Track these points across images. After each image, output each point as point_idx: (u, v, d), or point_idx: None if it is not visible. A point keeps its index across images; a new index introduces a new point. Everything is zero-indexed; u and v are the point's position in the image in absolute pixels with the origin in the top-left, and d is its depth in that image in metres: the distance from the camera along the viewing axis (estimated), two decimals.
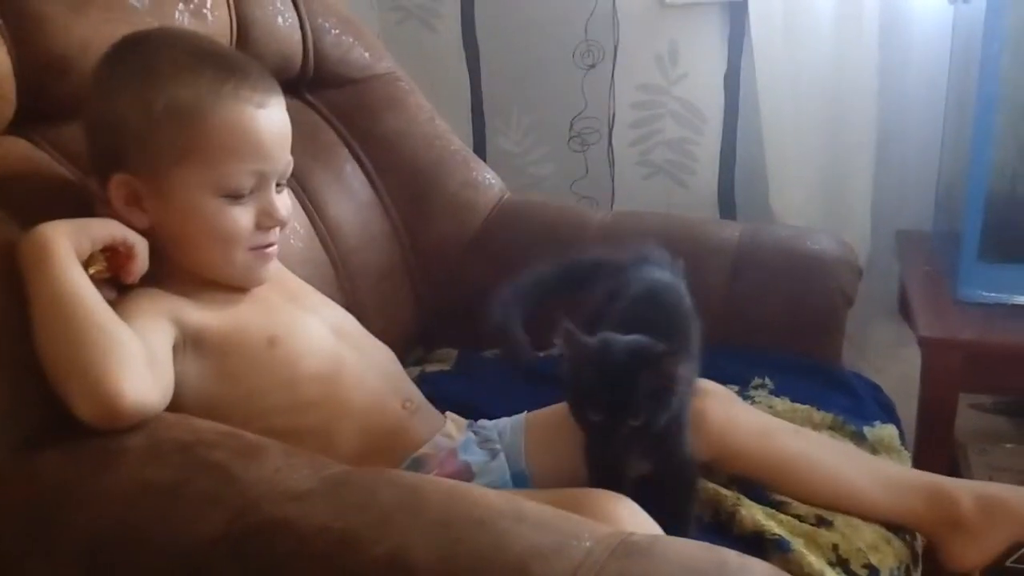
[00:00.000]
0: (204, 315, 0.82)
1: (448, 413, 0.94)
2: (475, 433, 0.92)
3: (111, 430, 0.64)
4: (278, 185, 0.85)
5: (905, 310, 1.49)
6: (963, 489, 0.89)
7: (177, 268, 0.83)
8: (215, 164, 0.79)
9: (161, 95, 0.78)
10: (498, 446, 0.90)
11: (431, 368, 1.17)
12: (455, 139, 1.30)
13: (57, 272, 0.69)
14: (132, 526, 0.58)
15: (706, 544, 0.55)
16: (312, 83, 1.21)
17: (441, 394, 0.99)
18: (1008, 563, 1.29)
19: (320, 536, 0.54)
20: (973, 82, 1.18)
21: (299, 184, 1.14)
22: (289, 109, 0.87)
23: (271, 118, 0.82)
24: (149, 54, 0.81)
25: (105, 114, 0.80)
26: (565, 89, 1.72)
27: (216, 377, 0.81)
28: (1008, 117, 1.17)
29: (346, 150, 1.21)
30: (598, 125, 1.74)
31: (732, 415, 0.90)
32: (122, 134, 0.79)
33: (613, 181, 1.76)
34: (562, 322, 0.77)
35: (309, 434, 0.81)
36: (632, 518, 0.64)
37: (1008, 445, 1.46)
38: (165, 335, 0.77)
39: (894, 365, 1.46)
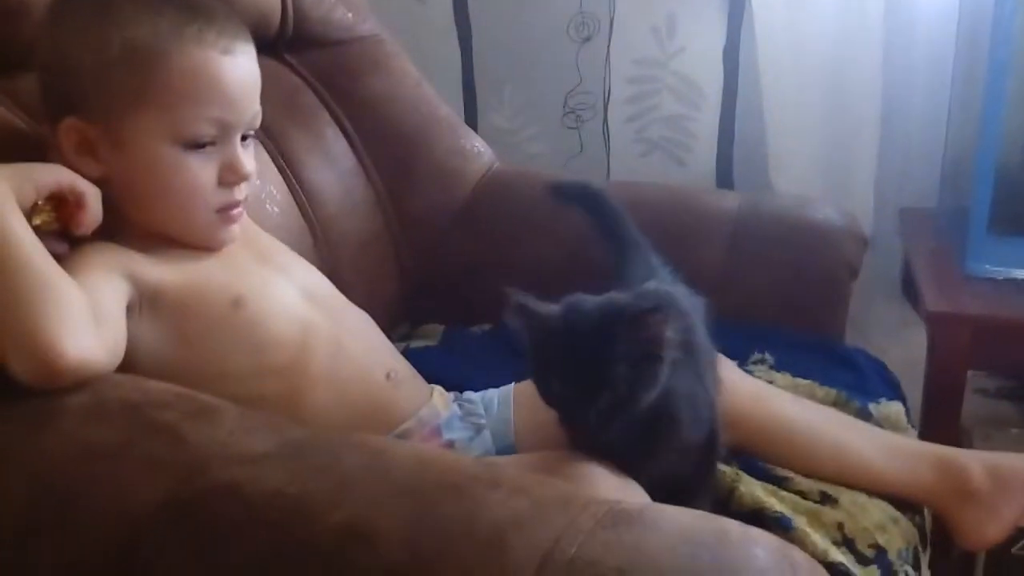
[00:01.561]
0: (163, 272, 0.76)
1: (434, 387, 0.89)
2: (460, 406, 0.87)
3: (50, 389, 0.59)
4: (244, 139, 0.79)
5: (909, 290, 1.44)
6: (973, 459, 0.85)
7: (134, 223, 0.77)
8: (173, 110, 0.74)
9: (118, 35, 0.73)
10: (483, 420, 0.85)
11: (416, 344, 1.12)
12: (443, 105, 1.24)
13: None
14: (68, 490, 0.53)
15: (703, 512, 0.49)
16: (291, 43, 1.15)
17: (427, 370, 0.93)
18: (1014, 550, 1.25)
19: (271, 502, 0.49)
20: (983, 50, 1.13)
21: (276, 148, 1.08)
22: (266, 70, 0.82)
23: (237, 65, 0.76)
24: None
25: (57, 54, 0.75)
26: (559, 63, 1.66)
27: (174, 340, 0.75)
28: (1020, 84, 1.11)
29: (327, 113, 1.15)
30: (593, 101, 1.69)
31: (731, 379, 0.85)
32: (75, 76, 0.74)
33: (608, 159, 1.71)
34: (511, 294, 0.67)
35: (274, 403, 0.75)
36: (619, 486, 0.58)
37: (1013, 430, 1.42)
38: (117, 292, 0.71)
39: (897, 347, 1.40)
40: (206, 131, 0.75)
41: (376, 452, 0.53)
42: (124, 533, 0.50)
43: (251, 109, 0.78)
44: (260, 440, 0.54)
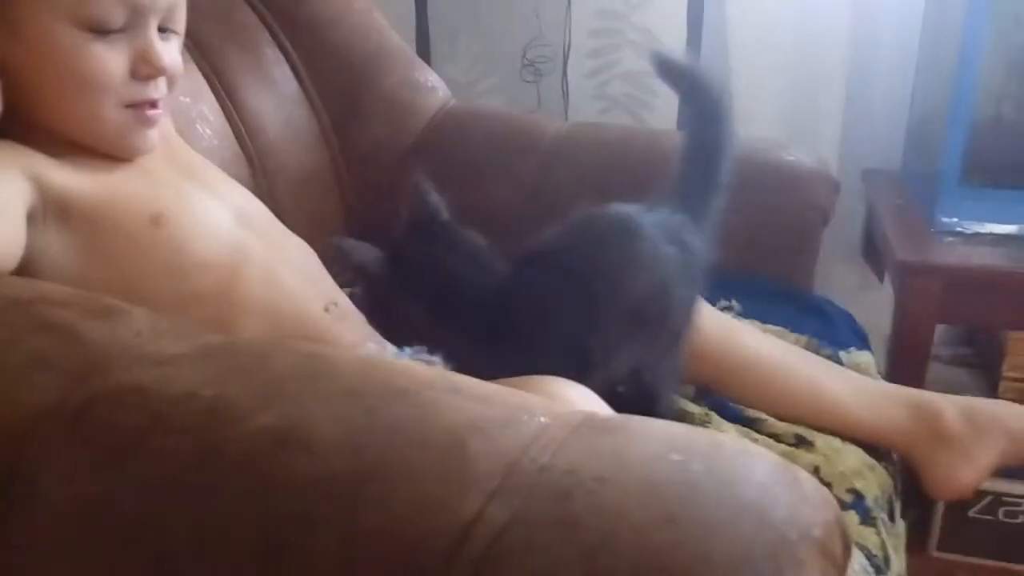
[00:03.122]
0: (72, 179, 0.66)
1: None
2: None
3: None
4: (163, 31, 0.70)
5: (870, 253, 1.41)
6: (948, 403, 0.82)
7: (39, 125, 0.67)
8: None
9: None
10: (436, 360, 0.78)
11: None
12: (395, 35, 1.15)
13: None
14: None
15: (694, 427, 0.42)
16: None
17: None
18: (971, 513, 1.23)
19: (182, 405, 0.40)
20: (953, 5, 1.09)
21: (210, 66, 0.99)
22: None
23: None
24: None
25: None
26: (518, 14, 1.59)
27: (84, 255, 0.66)
28: (996, 35, 1.08)
29: (267, 34, 1.06)
30: (552, 54, 1.62)
31: None
32: None
33: (567, 115, 1.64)
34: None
35: None
36: (591, 403, 0.51)
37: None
38: (16, 192, 0.62)
39: (858, 310, 1.37)
40: (113, 14, 0.65)
41: (310, 354, 0.45)
42: (5, 443, 0.42)
43: None
44: (172, 342, 0.46)
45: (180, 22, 0.72)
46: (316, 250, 0.87)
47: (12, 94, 0.65)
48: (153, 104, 0.70)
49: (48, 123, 0.68)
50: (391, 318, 0.69)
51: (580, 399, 0.51)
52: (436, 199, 0.71)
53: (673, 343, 0.68)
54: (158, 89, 0.69)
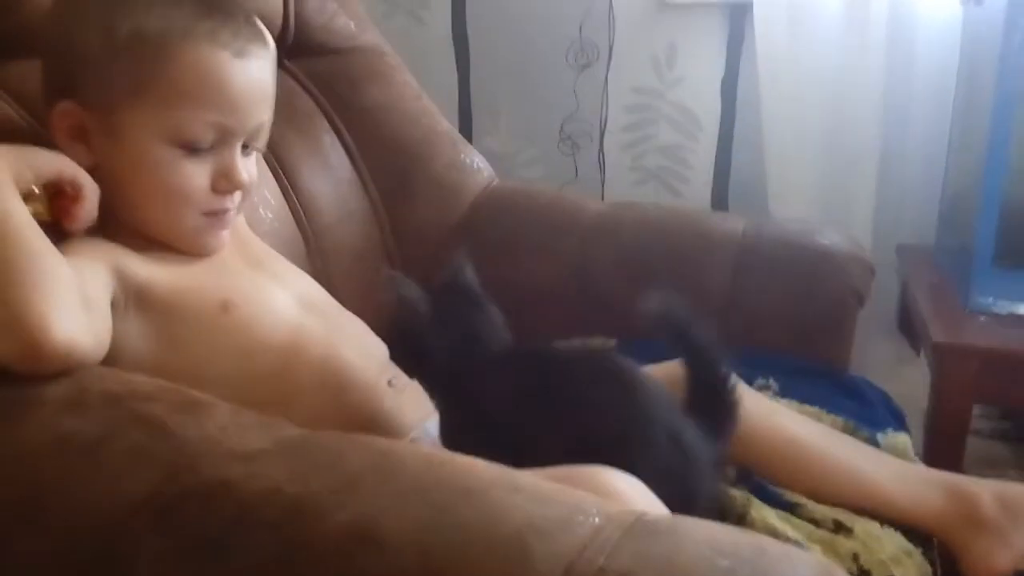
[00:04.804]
0: (151, 270, 0.72)
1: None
2: None
3: (34, 373, 0.54)
4: (246, 148, 0.76)
5: (905, 326, 1.42)
6: (983, 486, 0.83)
7: (122, 221, 0.74)
8: (173, 107, 0.70)
9: (128, 21, 0.69)
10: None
11: None
12: (443, 120, 1.22)
13: None
14: (39, 487, 0.48)
15: (738, 528, 0.45)
16: (292, 49, 1.13)
17: None
18: None
19: (268, 501, 0.44)
20: (987, 83, 1.13)
21: (272, 152, 1.05)
22: None
23: (248, 69, 0.73)
24: None
25: (64, 34, 0.72)
26: (557, 89, 1.66)
27: (159, 341, 0.71)
28: None
29: (325, 121, 1.12)
30: (589, 128, 1.68)
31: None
32: (78, 59, 0.71)
33: (603, 186, 1.69)
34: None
35: (263, 409, 0.71)
36: (639, 497, 0.54)
37: (1010, 472, 1.40)
38: (104, 285, 0.68)
39: (894, 384, 1.38)
40: (204, 135, 0.72)
41: (383, 451, 0.48)
42: (101, 532, 0.46)
43: (256, 118, 0.75)
44: (255, 437, 0.50)
45: (263, 139, 0.78)
46: (368, 323, 0.91)
47: (105, 194, 0.71)
48: (226, 211, 0.76)
49: (132, 221, 0.74)
50: (413, 352, 0.74)
51: (630, 492, 0.54)
52: (470, 270, 0.77)
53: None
54: (234, 200, 0.76)
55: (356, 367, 0.79)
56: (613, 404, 0.67)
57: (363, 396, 0.77)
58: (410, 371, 0.77)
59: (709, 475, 0.67)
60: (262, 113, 0.76)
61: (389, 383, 0.80)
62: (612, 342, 1.07)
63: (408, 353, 0.75)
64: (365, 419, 0.76)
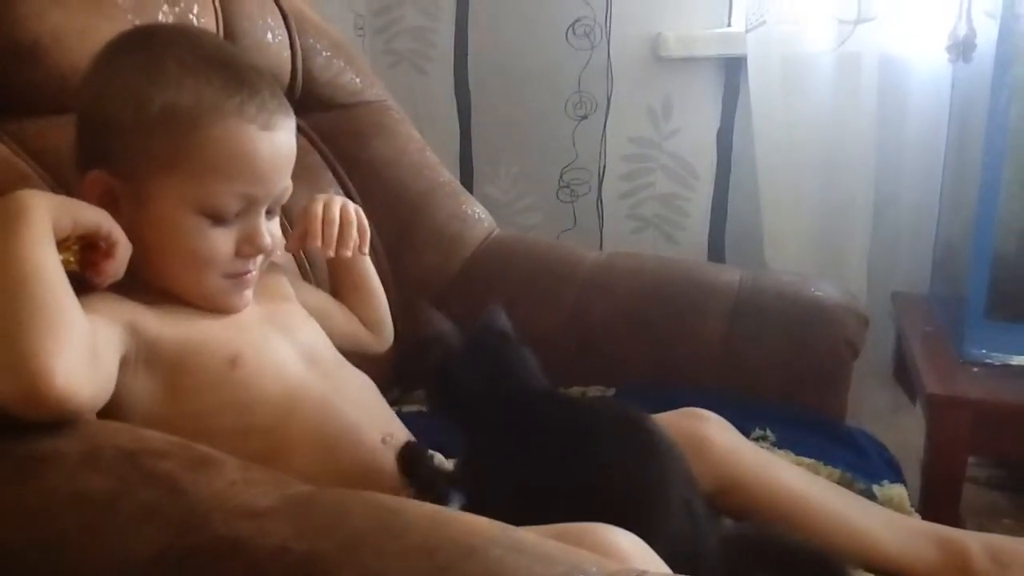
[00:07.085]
0: (163, 326, 0.74)
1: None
2: None
3: (29, 416, 0.56)
4: (269, 212, 0.78)
5: (901, 374, 1.44)
6: (973, 539, 0.84)
7: (140, 277, 0.76)
8: (201, 180, 0.73)
9: (159, 96, 0.72)
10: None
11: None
12: (445, 171, 1.25)
13: (25, 240, 0.61)
14: (53, 542, 0.49)
15: None
16: (299, 105, 1.15)
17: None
18: None
19: (277, 558, 0.46)
20: (976, 138, 1.16)
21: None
22: None
23: (274, 141, 0.75)
24: (157, 50, 0.74)
25: (98, 105, 0.74)
26: (556, 139, 1.70)
27: (166, 394, 0.73)
28: (1015, 172, 1.14)
29: (330, 174, 1.15)
30: (588, 176, 1.71)
31: (735, 442, 0.84)
32: (112, 130, 0.73)
33: (601, 233, 1.72)
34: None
35: (257, 461, 0.72)
36: (640, 555, 0.55)
37: (1005, 521, 1.40)
38: (116, 343, 0.70)
39: (890, 432, 1.39)
40: (231, 206, 0.74)
41: (389, 509, 0.50)
42: None
43: (281, 184, 0.78)
44: (263, 494, 0.51)
45: (285, 199, 0.80)
46: (367, 375, 0.93)
47: (130, 255, 0.73)
48: (248, 272, 0.78)
49: (152, 280, 0.76)
50: (441, 383, 0.75)
51: (631, 550, 0.55)
52: (504, 316, 0.79)
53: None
54: (256, 263, 0.78)
55: (352, 424, 0.80)
56: (637, 464, 0.67)
57: (359, 452, 0.78)
58: (436, 402, 0.77)
59: (712, 537, 0.68)
60: (285, 178, 0.78)
61: (383, 441, 0.81)
62: (611, 391, 1.09)
63: (436, 384, 0.76)
64: (357, 474, 0.77)
